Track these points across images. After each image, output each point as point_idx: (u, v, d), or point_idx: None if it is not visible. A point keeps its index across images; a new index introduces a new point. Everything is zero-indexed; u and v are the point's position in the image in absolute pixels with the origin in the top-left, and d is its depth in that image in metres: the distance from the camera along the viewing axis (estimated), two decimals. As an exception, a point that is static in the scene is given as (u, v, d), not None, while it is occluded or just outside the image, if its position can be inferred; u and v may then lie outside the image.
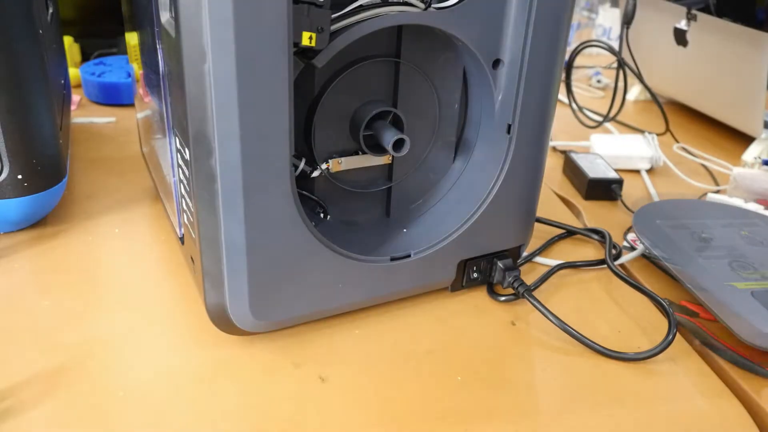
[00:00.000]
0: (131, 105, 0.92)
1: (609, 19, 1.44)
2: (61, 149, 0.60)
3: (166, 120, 0.47)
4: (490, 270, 0.56)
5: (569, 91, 0.97)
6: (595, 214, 0.73)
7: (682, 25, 0.92)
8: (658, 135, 0.91)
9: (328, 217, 0.52)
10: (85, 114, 0.88)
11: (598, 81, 1.21)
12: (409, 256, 0.51)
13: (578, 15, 1.55)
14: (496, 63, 0.48)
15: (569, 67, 0.95)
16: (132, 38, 0.62)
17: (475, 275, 0.56)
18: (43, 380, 0.44)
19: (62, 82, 0.72)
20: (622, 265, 0.64)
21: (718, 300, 0.52)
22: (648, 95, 1.07)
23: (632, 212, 0.72)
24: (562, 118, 1.00)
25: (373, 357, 0.49)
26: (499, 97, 0.50)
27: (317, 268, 0.46)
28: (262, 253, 0.43)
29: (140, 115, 0.69)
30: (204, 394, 0.45)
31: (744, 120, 0.92)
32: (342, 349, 0.49)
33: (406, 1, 0.44)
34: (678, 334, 0.53)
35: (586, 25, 1.54)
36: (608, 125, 0.98)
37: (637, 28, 1.05)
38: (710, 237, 0.61)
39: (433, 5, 0.45)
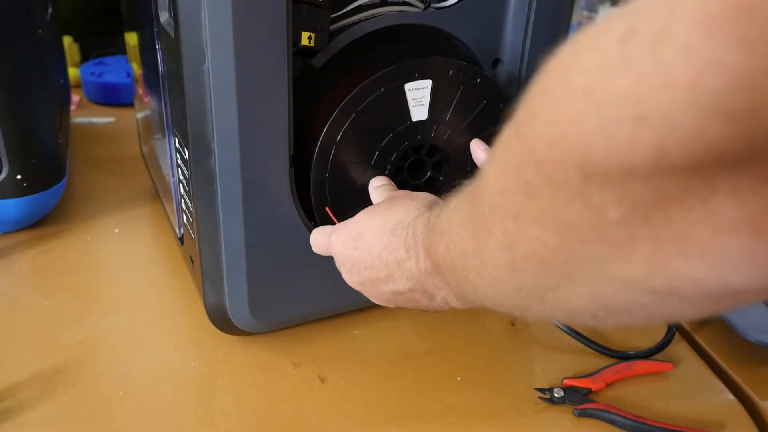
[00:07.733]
0: (131, 105, 0.92)
1: (609, 18, 1.44)
2: (60, 149, 0.60)
3: (165, 120, 0.47)
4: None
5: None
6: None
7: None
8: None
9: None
10: (84, 114, 0.88)
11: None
12: (408, 256, 0.51)
13: (578, 15, 1.55)
14: (496, 63, 0.48)
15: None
16: (131, 38, 0.62)
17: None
18: (43, 380, 0.44)
19: (62, 82, 0.72)
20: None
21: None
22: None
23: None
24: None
25: (373, 357, 0.49)
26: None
27: (317, 268, 0.46)
28: (261, 253, 0.43)
29: (140, 115, 0.69)
30: (203, 395, 0.44)
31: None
32: (342, 349, 0.49)
33: (405, 1, 0.44)
34: (677, 334, 0.53)
35: (586, 25, 1.54)
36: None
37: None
38: None
39: (432, 5, 0.45)
